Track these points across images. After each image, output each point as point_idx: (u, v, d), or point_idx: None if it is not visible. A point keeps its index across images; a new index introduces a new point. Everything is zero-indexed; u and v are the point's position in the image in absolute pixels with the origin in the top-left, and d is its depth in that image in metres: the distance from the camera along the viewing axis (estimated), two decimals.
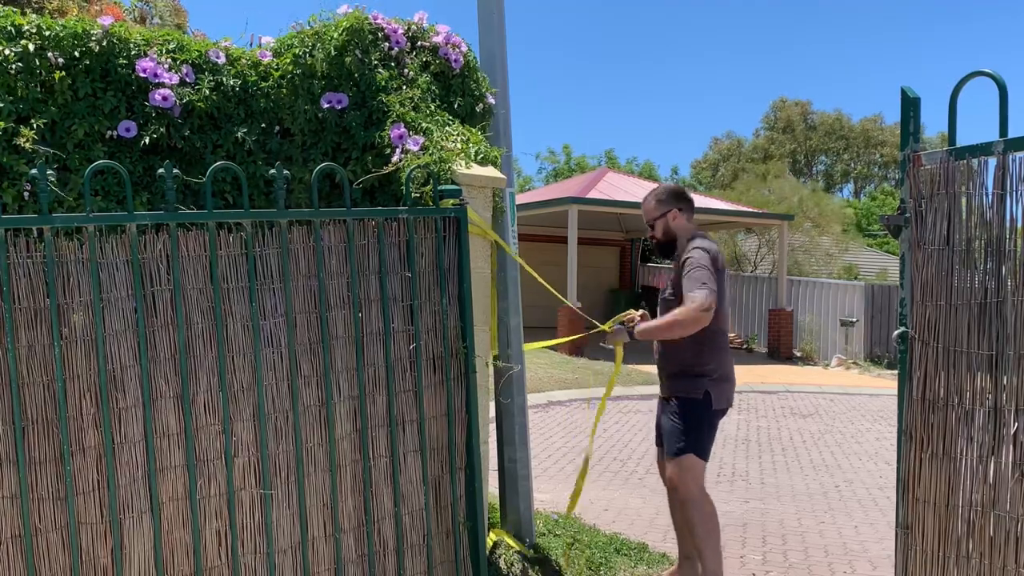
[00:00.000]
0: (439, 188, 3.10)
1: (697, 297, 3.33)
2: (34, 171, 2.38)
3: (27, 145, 2.90)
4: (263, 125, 3.43)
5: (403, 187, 3.27)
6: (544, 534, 4.47)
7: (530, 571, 4.00)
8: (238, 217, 2.70)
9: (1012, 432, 2.31)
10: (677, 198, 3.67)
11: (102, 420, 2.51)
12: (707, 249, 3.43)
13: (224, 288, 2.70)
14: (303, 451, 2.83)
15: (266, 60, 3.45)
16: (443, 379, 3.13)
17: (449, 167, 3.17)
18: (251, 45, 3.61)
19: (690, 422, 3.51)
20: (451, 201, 3.12)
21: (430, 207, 3.09)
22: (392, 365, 3.00)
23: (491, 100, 3.85)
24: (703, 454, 3.51)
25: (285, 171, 2.75)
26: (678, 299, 3.45)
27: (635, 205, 16.07)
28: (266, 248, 2.79)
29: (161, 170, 2.54)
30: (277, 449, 2.80)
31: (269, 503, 2.76)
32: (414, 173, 3.09)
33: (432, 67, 3.69)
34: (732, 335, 18.58)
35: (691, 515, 3.51)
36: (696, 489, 3.52)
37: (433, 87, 3.62)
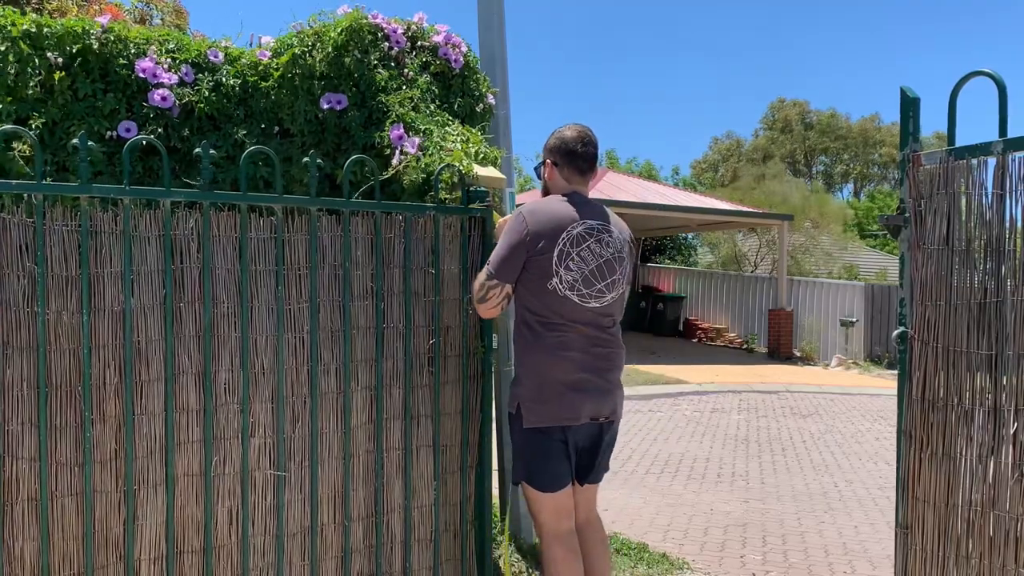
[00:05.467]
0: (468, 189, 3.15)
1: (476, 279, 2.83)
2: (75, 141, 2.46)
3: (26, 147, 2.90)
4: (262, 125, 3.43)
5: (403, 186, 3.29)
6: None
7: (530, 571, 4.00)
8: (271, 201, 2.76)
9: (1012, 432, 2.31)
10: (556, 149, 2.90)
11: (124, 391, 2.56)
12: (531, 211, 2.74)
13: (251, 270, 2.76)
14: (318, 437, 2.86)
15: (265, 60, 3.44)
16: (460, 377, 3.17)
17: (457, 169, 3.19)
18: (251, 45, 3.61)
19: (513, 443, 2.90)
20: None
21: (458, 206, 3.14)
22: (411, 359, 3.03)
23: (491, 100, 3.85)
24: (537, 483, 2.79)
25: (291, 167, 2.76)
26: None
27: (635, 205, 16.08)
28: (295, 234, 2.84)
29: (198, 149, 2.64)
30: (293, 433, 2.84)
31: (282, 485, 2.79)
32: (442, 173, 3.11)
33: (432, 67, 3.68)
34: (732, 335, 18.59)
35: (542, 557, 2.88)
36: (542, 524, 2.83)
37: (433, 87, 3.62)
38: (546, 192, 2.97)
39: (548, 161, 2.92)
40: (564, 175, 2.89)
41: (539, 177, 3.06)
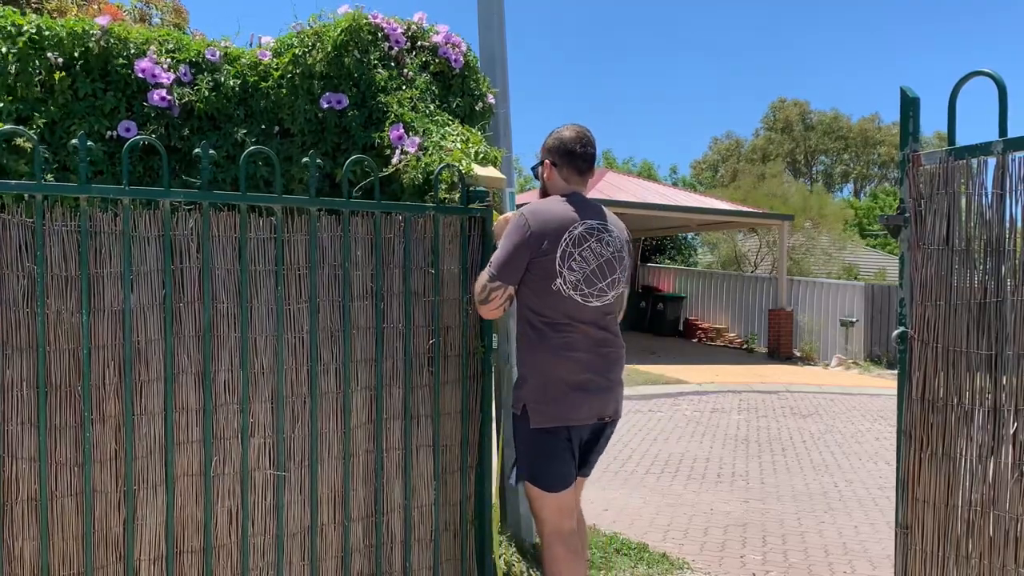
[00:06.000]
0: (468, 189, 3.15)
1: (478, 280, 2.84)
2: (75, 141, 2.46)
3: (26, 144, 2.90)
4: (263, 125, 3.43)
5: (403, 187, 3.29)
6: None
7: (530, 571, 4.00)
8: (270, 201, 2.76)
9: (1011, 432, 2.31)
10: (554, 150, 2.91)
11: (124, 391, 2.56)
12: (533, 212, 2.75)
13: (251, 270, 2.76)
14: (318, 437, 2.86)
15: (265, 60, 3.44)
16: (459, 376, 3.17)
17: (457, 168, 3.19)
18: (251, 45, 3.61)
19: (518, 442, 2.86)
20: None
21: (458, 206, 3.14)
22: (411, 359, 3.03)
23: (491, 100, 3.84)
24: (542, 483, 2.78)
25: (294, 166, 2.76)
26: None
27: (635, 205, 16.07)
28: (294, 234, 2.84)
29: (198, 150, 2.65)
30: (292, 433, 2.84)
31: (282, 485, 2.79)
32: (441, 173, 3.11)
33: (432, 67, 3.68)
34: (732, 335, 18.59)
35: (544, 557, 2.90)
36: (544, 522, 2.83)
37: (432, 87, 3.62)
38: (544, 192, 2.98)
39: (547, 161, 2.93)
40: (563, 175, 2.90)
41: (536, 177, 3.07)
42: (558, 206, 2.79)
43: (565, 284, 2.73)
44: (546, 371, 2.75)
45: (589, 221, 2.80)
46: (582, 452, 2.89)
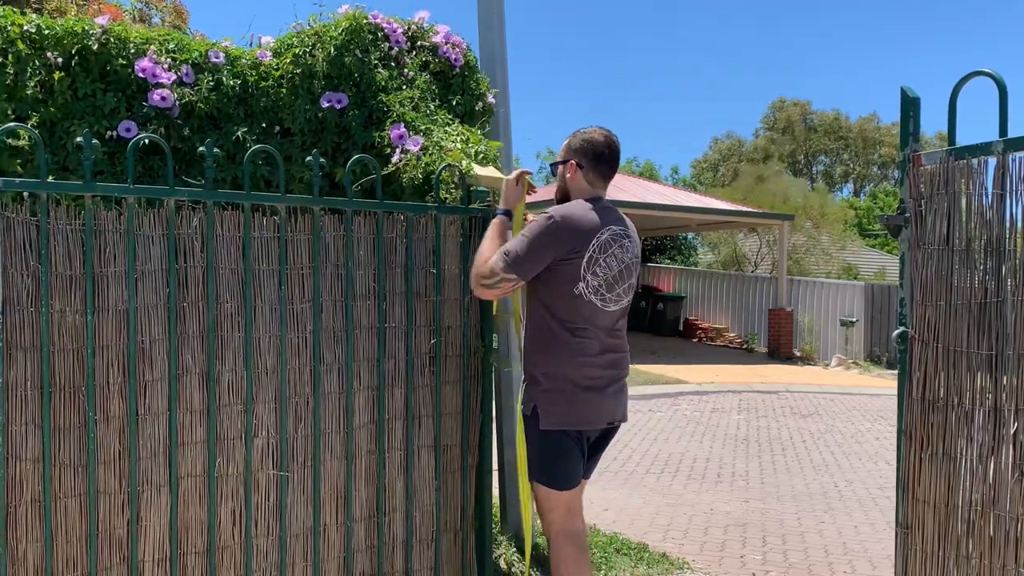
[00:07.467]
0: (469, 189, 3.16)
1: (485, 261, 2.72)
2: (79, 139, 2.47)
3: (24, 144, 2.90)
4: (263, 125, 3.43)
5: (403, 186, 3.29)
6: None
7: (530, 571, 4.00)
8: (274, 201, 2.77)
9: (1012, 432, 2.31)
10: (583, 152, 2.85)
11: (128, 391, 2.55)
12: (565, 216, 2.70)
13: (255, 270, 2.76)
14: (321, 437, 2.86)
15: (266, 60, 3.45)
16: (460, 377, 3.17)
17: (457, 168, 3.20)
18: (251, 45, 3.61)
19: (528, 442, 2.82)
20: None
21: (459, 206, 3.14)
22: (412, 359, 3.04)
23: (491, 99, 3.85)
24: (554, 482, 2.77)
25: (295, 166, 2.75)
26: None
27: (636, 205, 16.07)
28: (296, 233, 2.84)
29: (202, 148, 2.65)
30: (295, 433, 2.84)
31: (285, 486, 2.79)
32: (443, 173, 3.12)
33: (432, 66, 3.69)
34: (732, 335, 18.58)
35: (551, 557, 2.88)
36: (552, 523, 2.83)
37: (433, 87, 3.63)
38: (564, 192, 2.93)
39: (572, 162, 2.87)
40: (588, 179, 2.86)
41: (555, 175, 3.02)
42: (587, 211, 2.76)
43: (587, 289, 2.72)
44: (561, 373, 2.73)
45: (613, 227, 2.79)
46: (589, 453, 2.89)
